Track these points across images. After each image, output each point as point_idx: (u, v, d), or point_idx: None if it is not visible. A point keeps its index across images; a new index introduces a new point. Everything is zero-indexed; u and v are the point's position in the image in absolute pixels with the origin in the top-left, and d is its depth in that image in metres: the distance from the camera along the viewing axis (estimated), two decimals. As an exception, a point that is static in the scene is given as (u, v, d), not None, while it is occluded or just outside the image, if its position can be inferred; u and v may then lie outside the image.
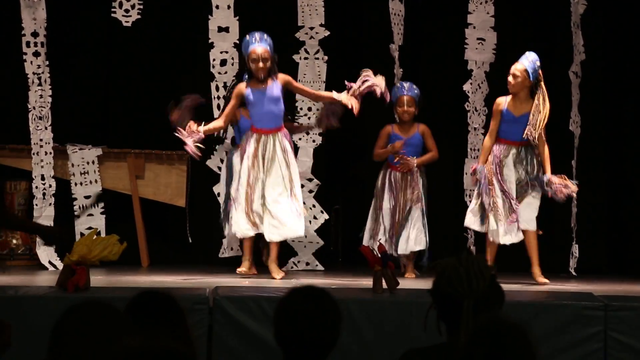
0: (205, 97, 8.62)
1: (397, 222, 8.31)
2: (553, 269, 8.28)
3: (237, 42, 8.58)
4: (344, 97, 7.77)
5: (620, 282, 8.26)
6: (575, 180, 8.20)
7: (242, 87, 7.83)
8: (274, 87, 7.73)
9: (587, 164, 9.05)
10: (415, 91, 8.40)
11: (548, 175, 7.82)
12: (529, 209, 7.81)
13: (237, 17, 8.65)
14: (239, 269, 7.85)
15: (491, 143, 7.95)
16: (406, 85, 8.44)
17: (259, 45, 7.74)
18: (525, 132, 7.75)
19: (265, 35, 7.82)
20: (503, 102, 7.90)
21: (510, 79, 7.80)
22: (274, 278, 7.67)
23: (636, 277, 8.58)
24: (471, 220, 8.00)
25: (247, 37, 7.88)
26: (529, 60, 7.81)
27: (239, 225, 7.72)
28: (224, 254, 8.71)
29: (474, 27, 8.86)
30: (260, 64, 7.67)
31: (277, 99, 7.72)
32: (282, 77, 7.78)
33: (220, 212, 8.46)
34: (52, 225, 5.09)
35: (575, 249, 8.71)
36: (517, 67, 7.79)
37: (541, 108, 7.76)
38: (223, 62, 8.66)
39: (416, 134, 8.42)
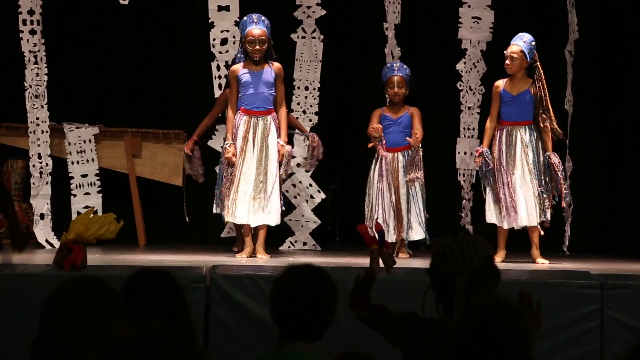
0: (205, 76, 8.67)
1: (397, 207, 8.27)
2: (547, 247, 8.29)
3: (238, 20, 8.58)
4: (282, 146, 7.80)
5: (616, 260, 8.28)
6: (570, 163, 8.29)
7: (236, 68, 7.85)
8: (269, 71, 7.77)
9: (581, 143, 9.04)
10: (406, 71, 8.35)
11: (548, 153, 7.89)
12: (532, 204, 7.87)
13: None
14: (239, 254, 7.84)
15: (492, 126, 8.01)
16: (396, 65, 8.38)
17: (257, 27, 7.75)
18: (541, 121, 7.85)
19: (263, 17, 7.82)
20: (501, 84, 7.98)
21: (507, 61, 7.87)
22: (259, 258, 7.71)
23: (631, 255, 8.59)
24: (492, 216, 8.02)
25: (245, 18, 7.89)
26: (523, 41, 7.89)
27: (234, 213, 7.73)
28: (230, 234, 8.72)
29: (469, 6, 8.85)
30: (257, 46, 7.70)
31: (271, 84, 7.76)
32: (277, 66, 7.82)
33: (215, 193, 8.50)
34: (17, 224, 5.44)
35: (568, 228, 8.72)
36: (513, 49, 7.87)
37: (542, 90, 7.86)
38: (224, 41, 8.65)
39: (405, 114, 8.34)
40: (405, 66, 8.37)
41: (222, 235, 8.77)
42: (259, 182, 7.67)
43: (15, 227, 5.67)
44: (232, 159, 7.72)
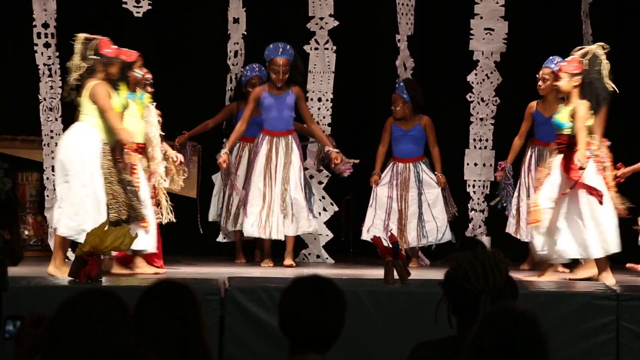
0: (219, 88, 8.72)
1: (403, 214, 8.37)
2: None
3: (245, 33, 8.68)
4: (334, 152, 8.23)
5: (632, 271, 8.24)
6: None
7: (259, 91, 8.20)
8: (289, 95, 8.17)
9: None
10: (403, 89, 8.47)
11: None
12: None
13: (245, 9, 8.70)
14: (264, 263, 8.17)
15: (520, 143, 8.25)
16: (397, 83, 8.58)
17: (281, 56, 8.14)
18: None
19: (288, 47, 8.19)
20: (534, 105, 8.19)
21: (539, 82, 8.03)
22: (286, 266, 8.02)
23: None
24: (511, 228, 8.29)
25: (271, 46, 8.20)
26: (554, 63, 8.02)
27: (251, 227, 8.08)
28: (227, 239, 8.78)
29: (481, 17, 8.86)
30: (281, 75, 8.10)
31: (291, 106, 8.18)
32: (296, 89, 8.21)
33: (217, 205, 8.58)
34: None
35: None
36: (545, 71, 8.04)
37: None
38: (236, 54, 8.72)
39: (417, 126, 8.48)
40: (402, 83, 8.47)
41: (218, 239, 8.81)
42: (285, 197, 8.06)
43: (14, 244, 5.48)
44: (222, 165, 8.14)
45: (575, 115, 7.08)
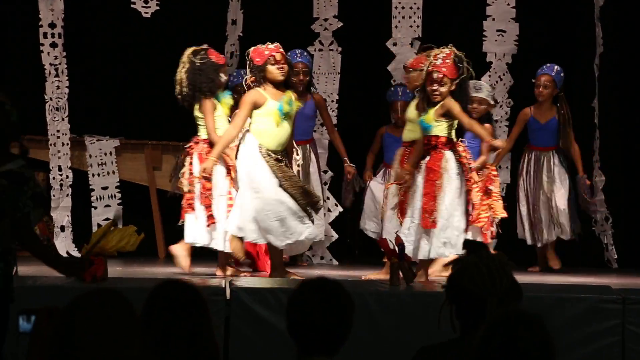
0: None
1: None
2: (585, 262, 8.46)
3: (241, 34, 8.68)
4: (349, 166, 8.46)
5: (638, 275, 8.24)
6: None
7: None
8: (310, 104, 8.19)
9: (604, 158, 9.01)
10: (410, 94, 8.42)
11: (580, 174, 8.40)
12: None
13: (243, 10, 8.71)
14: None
15: (507, 147, 8.45)
16: (400, 89, 8.54)
17: (300, 60, 8.19)
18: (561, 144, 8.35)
19: (305, 52, 8.29)
20: (529, 111, 8.41)
21: (540, 89, 8.29)
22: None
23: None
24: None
25: (289, 53, 8.13)
26: (554, 71, 8.30)
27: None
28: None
29: (493, 19, 8.86)
30: (301, 77, 8.08)
31: (311, 116, 8.27)
32: (318, 98, 8.31)
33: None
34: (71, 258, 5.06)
35: (610, 240, 8.80)
36: (546, 78, 8.29)
37: (566, 116, 8.29)
38: (231, 55, 8.72)
39: None
40: (408, 90, 8.42)
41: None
42: None
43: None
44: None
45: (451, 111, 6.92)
